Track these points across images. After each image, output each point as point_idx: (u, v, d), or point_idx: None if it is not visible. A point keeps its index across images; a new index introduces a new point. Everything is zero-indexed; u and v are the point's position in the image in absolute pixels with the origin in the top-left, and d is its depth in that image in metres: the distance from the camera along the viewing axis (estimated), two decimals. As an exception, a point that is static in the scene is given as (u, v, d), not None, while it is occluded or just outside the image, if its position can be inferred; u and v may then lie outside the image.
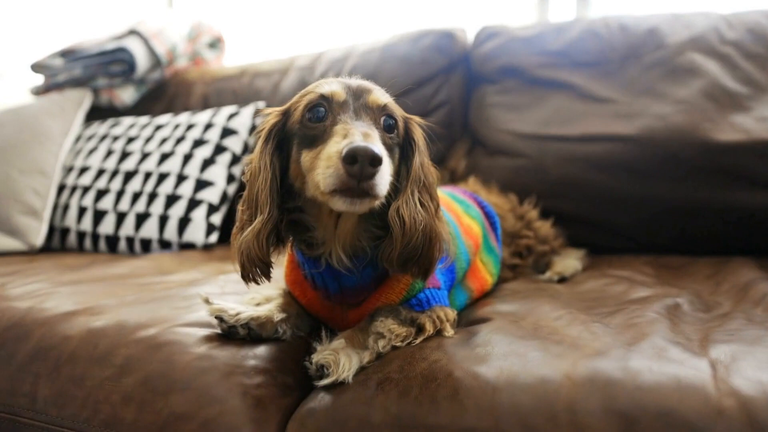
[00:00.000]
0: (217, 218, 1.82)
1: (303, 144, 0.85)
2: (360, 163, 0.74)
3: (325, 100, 0.85)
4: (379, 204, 0.83)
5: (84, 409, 0.89)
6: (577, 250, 1.53)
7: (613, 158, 1.58)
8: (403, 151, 0.92)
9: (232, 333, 0.95)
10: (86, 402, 0.89)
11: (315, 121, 0.85)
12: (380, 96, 0.88)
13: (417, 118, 0.95)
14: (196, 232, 1.77)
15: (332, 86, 0.87)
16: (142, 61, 2.23)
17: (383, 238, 0.89)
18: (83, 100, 2.23)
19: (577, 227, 1.62)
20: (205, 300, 0.96)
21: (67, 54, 2.33)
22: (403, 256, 0.85)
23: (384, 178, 0.78)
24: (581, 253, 1.52)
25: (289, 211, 0.90)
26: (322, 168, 0.78)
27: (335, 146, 0.78)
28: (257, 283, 0.89)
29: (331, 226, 0.89)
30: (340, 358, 0.84)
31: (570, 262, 1.43)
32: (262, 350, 0.93)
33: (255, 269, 0.86)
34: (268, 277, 0.88)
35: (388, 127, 0.88)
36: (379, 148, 0.76)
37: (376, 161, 0.75)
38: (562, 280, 1.34)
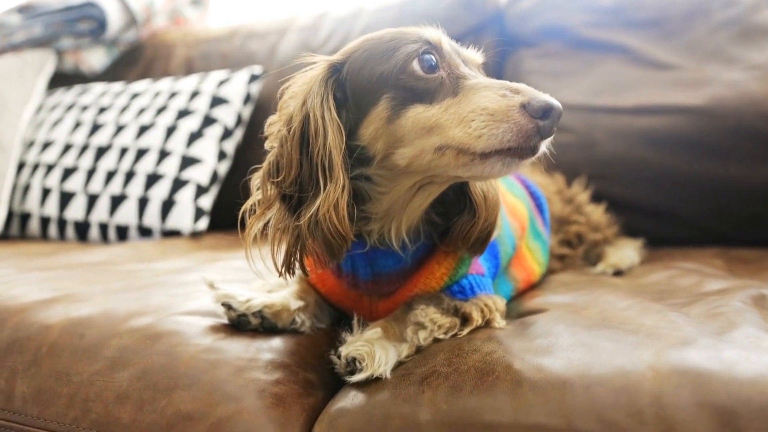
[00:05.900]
0: (206, 201, 1.82)
1: (407, 99, 0.83)
2: (552, 119, 0.76)
3: (434, 48, 0.84)
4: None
5: (71, 408, 0.88)
6: (632, 241, 1.53)
7: (675, 133, 1.58)
8: None
9: (242, 323, 0.95)
10: (73, 400, 0.88)
11: (429, 71, 0.83)
12: (475, 54, 0.91)
13: None
14: (181, 218, 1.76)
15: (434, 33, 0.86)
16: (114, 18, 2.23)
17: (442, 217, 0.93)
18: (45, 63, 2.23)
19: (630, 213, 1.62)
20: (210, 285, 0.97)
21: (25, 10, 2.33)
22: (480, 234, 0.91)
23: None
24: (638, 244, 1.52)
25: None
26: (480, 123, 0.77)
27: (503, 100, 0.77)
28: (305, 274, 0.90)
29: (404, 199, 0.89)
30: (375, 351, 0.83)
31: (626, 252, 1.43)
32: (278, 343, 0.93)
33: (331, 249, 0.83)
34: (341, 257, 0.85)
35: None
36: None
37: (560, 118, 0.77)
38: (618, 273, 1.34)
